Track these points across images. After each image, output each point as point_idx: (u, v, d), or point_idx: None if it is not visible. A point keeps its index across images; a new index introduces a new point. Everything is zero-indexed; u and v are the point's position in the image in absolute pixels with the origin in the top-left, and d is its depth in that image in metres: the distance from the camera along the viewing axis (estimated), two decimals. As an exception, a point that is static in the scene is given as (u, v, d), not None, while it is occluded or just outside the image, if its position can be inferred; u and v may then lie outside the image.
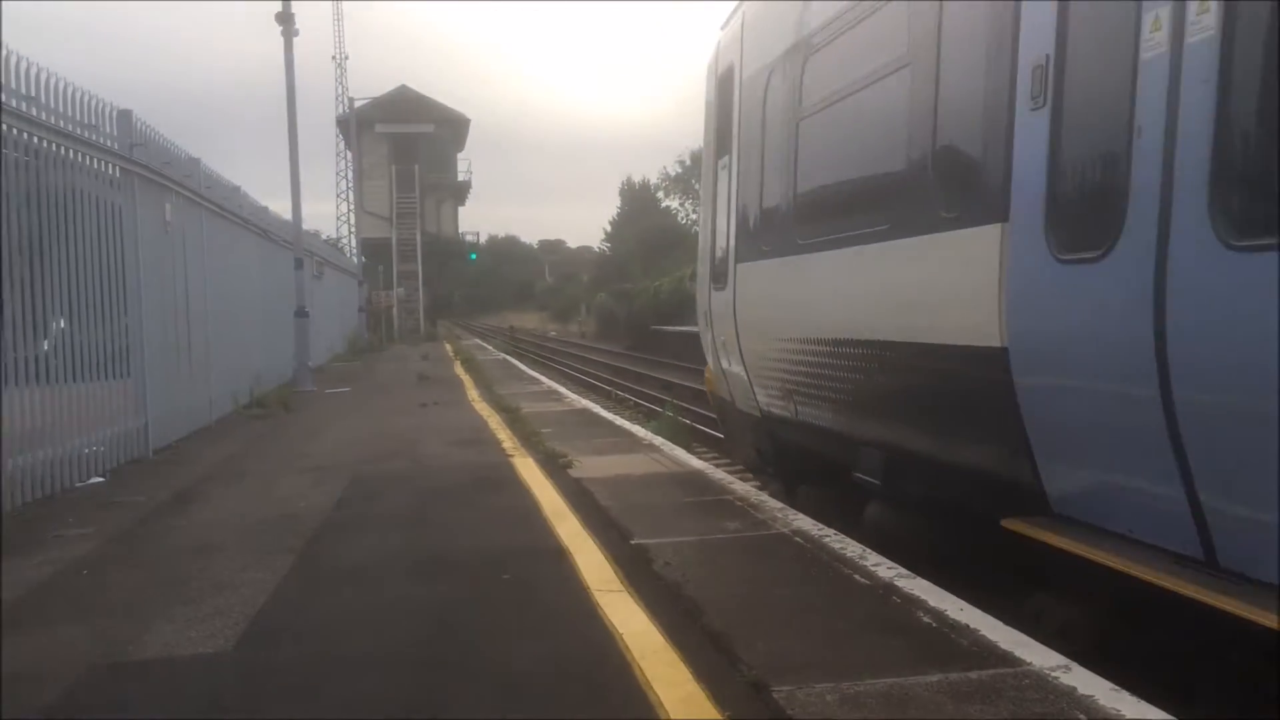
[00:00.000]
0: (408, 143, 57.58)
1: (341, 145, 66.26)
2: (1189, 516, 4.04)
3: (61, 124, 8.81)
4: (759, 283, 8.52)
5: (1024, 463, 4.98)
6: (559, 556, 5.97)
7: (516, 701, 3.84)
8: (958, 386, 5.52)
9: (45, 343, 8.55)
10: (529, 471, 8.96)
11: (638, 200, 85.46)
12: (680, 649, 4.29)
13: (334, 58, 69.20)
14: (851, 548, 5.86)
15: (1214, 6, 3.73)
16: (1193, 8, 3.84)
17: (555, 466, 9.10)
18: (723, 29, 9.89)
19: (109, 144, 9.93)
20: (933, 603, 4.73)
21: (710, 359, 10.59)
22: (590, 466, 9.00)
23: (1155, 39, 4.04)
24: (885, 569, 5.36)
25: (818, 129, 7.32)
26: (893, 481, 6.41)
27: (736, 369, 9.22)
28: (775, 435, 8.63)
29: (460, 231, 65.92)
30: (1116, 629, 4.57)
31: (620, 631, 4.56)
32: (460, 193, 64.09)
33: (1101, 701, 3.54)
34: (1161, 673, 4.30)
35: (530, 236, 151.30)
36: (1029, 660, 3.95)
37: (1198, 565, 4.02)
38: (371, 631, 4.74)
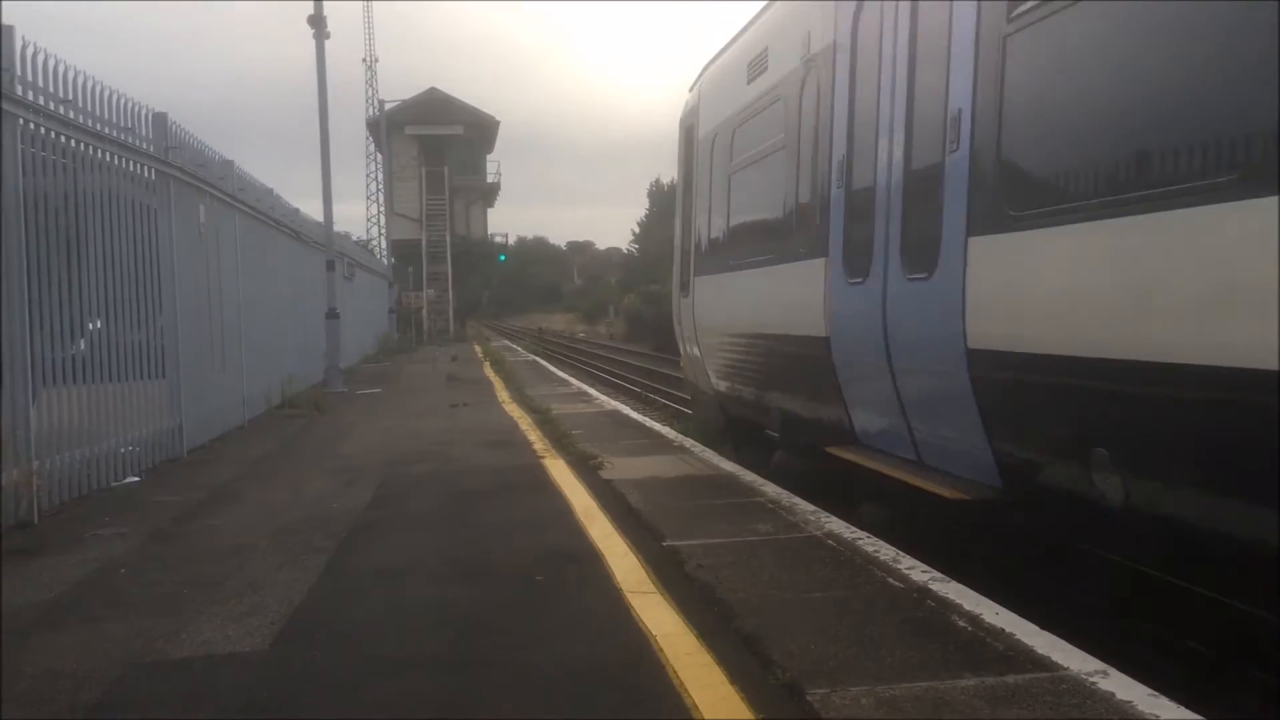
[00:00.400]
0: (437, 145, 57.72)
1: (371, 147, 66.79)
2: (909, 436, 6.74)
3: (98, 127, 8.91)
4: (709, 292, 11.38)
5: (842, 412, 7.71)
6: (591, 558, 5.98)
7: (551, 703, 3.84)
8: (808, 362, 8.15)
9: (81, 343, 8.65)
10: (560, 473, 8.97)
11: (667, 202, 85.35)
12: (714, 651, 4.29)
13: (364, 60, 69.79)
14: (885, 551, 5.83)
15: (896, 156, 6.70)
16: (895, 151, 6.70)
17: (586, 468, 9.11)
18: (690, 91, 12.51)
19: (145, 146, 10.02)
20: (968, 606, 4.70)
21: (682, 351, 13.53)
22: (621, 468, 9.00)
23: (885, 161, 6.85)
24: (919, 572, 5.34)
25: (740, 182, 10.19)
26: (786, 434, 9.22)
27: (697, 357, 12.13)
28: (724, 408, 11.38)
29: (489, 233, 65.90)
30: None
31: (653, 633, 4.56)
32: (489, 194, 64.19)
33: (1140, 707, 3.50)
34: (1196, 677, 4.28)
35: (559, 238, 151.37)
36: (1066, 665, 3.92)
37: (916, 464, 6.70)
38: (406, 632, 4.76)
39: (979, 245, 5.55)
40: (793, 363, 8.70)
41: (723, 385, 11.07)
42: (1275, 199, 3.60)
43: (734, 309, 10.33)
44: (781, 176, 8.74)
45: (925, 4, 6.35)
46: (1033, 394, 5.30)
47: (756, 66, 9.57)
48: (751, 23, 10.08)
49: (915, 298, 6.29)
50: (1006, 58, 5.37)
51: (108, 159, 9.17)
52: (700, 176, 11.71)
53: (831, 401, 7.81)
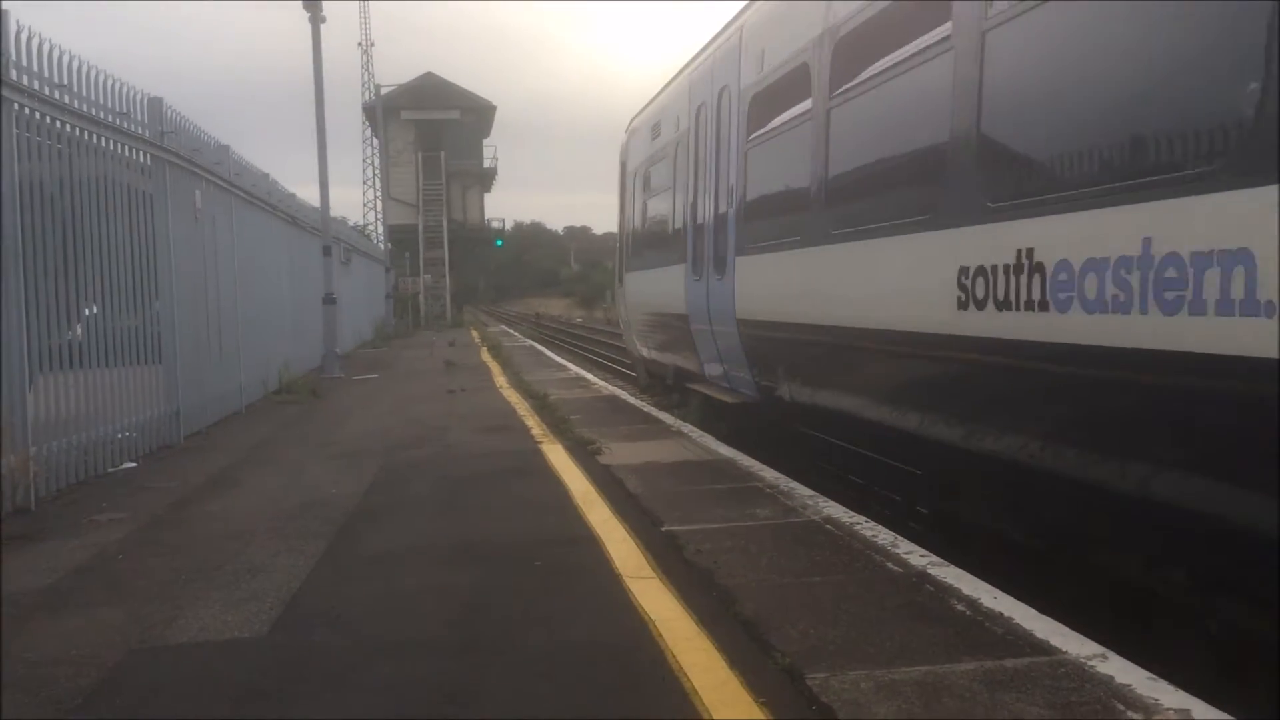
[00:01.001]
0: (434, 130, 57.57)
1: (368, 132, 66.63)
2: (724, 376, 10.68)
3: (93, 111, 8.87)
4: (633, 284, 15.58)
5: (695, 360, 11.69)
6: (590, 543, 5.98)
7: (551, 688, 3.85)
8: (677, 330, 12.29)
9: (78, 328, 8.63)
10: (558, 458, 8.97)
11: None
12: (713, 636, 4.29)
13: (360, 45, 69.62)
14: (883, 535, 5.84)
15: (710, 205, 10.94)
16: (710, 202, 10.88)
17: (584, 453, 9.11)
18: (625, 132, 16.62)
19: (140, 131, 9.98)
20: (966, 591, 4.71)
21: (623, 326, 18.13)
22: (619, 453, 9.00)
23: (708, 208, 10.82)
24: (918, 556, 5.34)
25: (652, 205, 14.55)
26: (678, 381, 13.30)
27: (630, 330, 16.60)
28: (647, 366, 15.78)
29: (486, 218, 65.77)
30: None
31: (653, 618, 4.56)
32: (486, 179, 64.03)
33: (1139, 690, 3.51)
34: (1196, 662, 4.29)
35: (556, 223, 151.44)
36: (1065, 649, 3.93)
37: (726, 388, 10.68)
38: (405, 617, 4.76)
39: (741, 261, 9.65)
40: (671, 331, 12.90)
41: (643, 350, 15.53)
42: (819, 248, 7.60)
43: (646, 296, 14.45)
44: (667, 208, 13.05)
45: (719, 118, 10.47)
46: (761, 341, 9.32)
47: (656, 130, 14.03)
48: (656, 96, 14.34)
49: (720, 288, 10.21)
50: (748, 162, 9.55)
51: (103, 144, 9.13)
52: (628, 199, 16.24)
53: (690, 355, 11.94)
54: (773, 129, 8.88)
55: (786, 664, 3.89)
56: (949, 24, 5.73)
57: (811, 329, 7.77)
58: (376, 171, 63.22)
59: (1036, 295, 4.78)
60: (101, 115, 9.01)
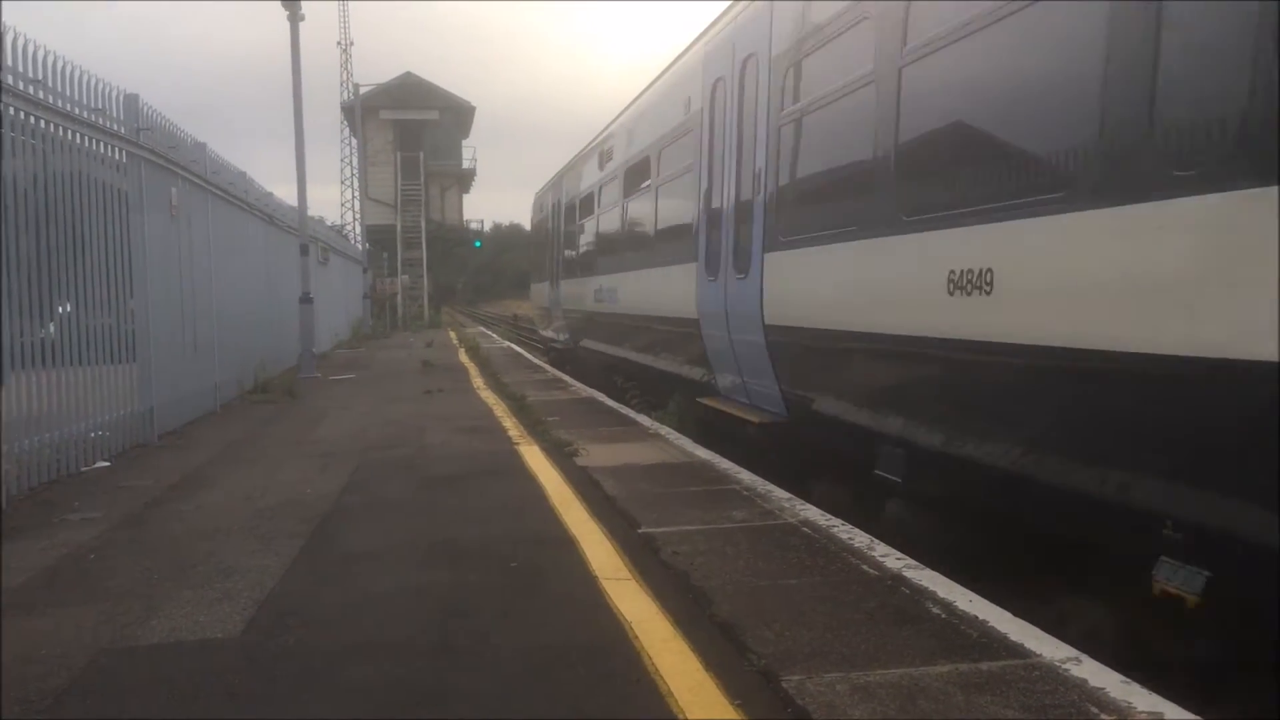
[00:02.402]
0: (412, 130, 57.36)
1: (346, 132, 66.25)
2: (743, 388, 9.61)
3: (68, 108, 8.79)
4: (573, 289, 19.68)
5: (708, 373, 10.76)
6: (566, 544, 5.97)
7: (525, 689, 3.83)
8: (675, 337, 11.91)
9: (51, 326, 8.55)
10: (535, 459, 8.95)
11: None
12: (689, 638, 4.29)
13: (339, 43, 69.26)
14: (859, 538, 5.85)
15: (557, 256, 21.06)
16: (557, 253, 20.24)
17: (561, 455, 9.09)
18: (539, 193, 25.98)
19: (116, 128, 9.91)
20: (942, 594, 4.72)
21: (542, 319, 24.74)
22: (596, 455, 8.99)
23: (716, 212, 10.42)
24: (894, 559, 5.36)
25: (567, 237, 20.32)
26: (591, 357, 17.69)
27: (566, 325, 21.35)
28: (575, 355, 20.28)
29: (465, 219, 65.64)
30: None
31: (629, 620, 4.56)
32: (465, 180, 63.84)
33: (1112, 694, 3.53)
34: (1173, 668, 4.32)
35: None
36: (1039, 652, 3.95)
37: (749, 406, 9.48)
38: (379, 617, 4.74)
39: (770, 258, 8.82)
40: (587, 319, 17.73)
41: (567, 336, 21.29)
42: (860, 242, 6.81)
43: (585, 297, 18.11)
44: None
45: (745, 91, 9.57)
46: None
47: (542, 205, 24.96)
48: (552, 181, 21.79)
49: (734, 289, 9.62)
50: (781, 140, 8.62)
51: (78, 140, 9.05)
52: (555, 227, 22.64)
53: (701, 365, 11.06)
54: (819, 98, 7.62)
55: (762, 666, 3.90)
56: None
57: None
58: (355, 171, 62.96)
59: None
60: (77, 111, 8.93)
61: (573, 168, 20.15)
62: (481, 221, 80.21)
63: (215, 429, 11.76)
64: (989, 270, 5.18)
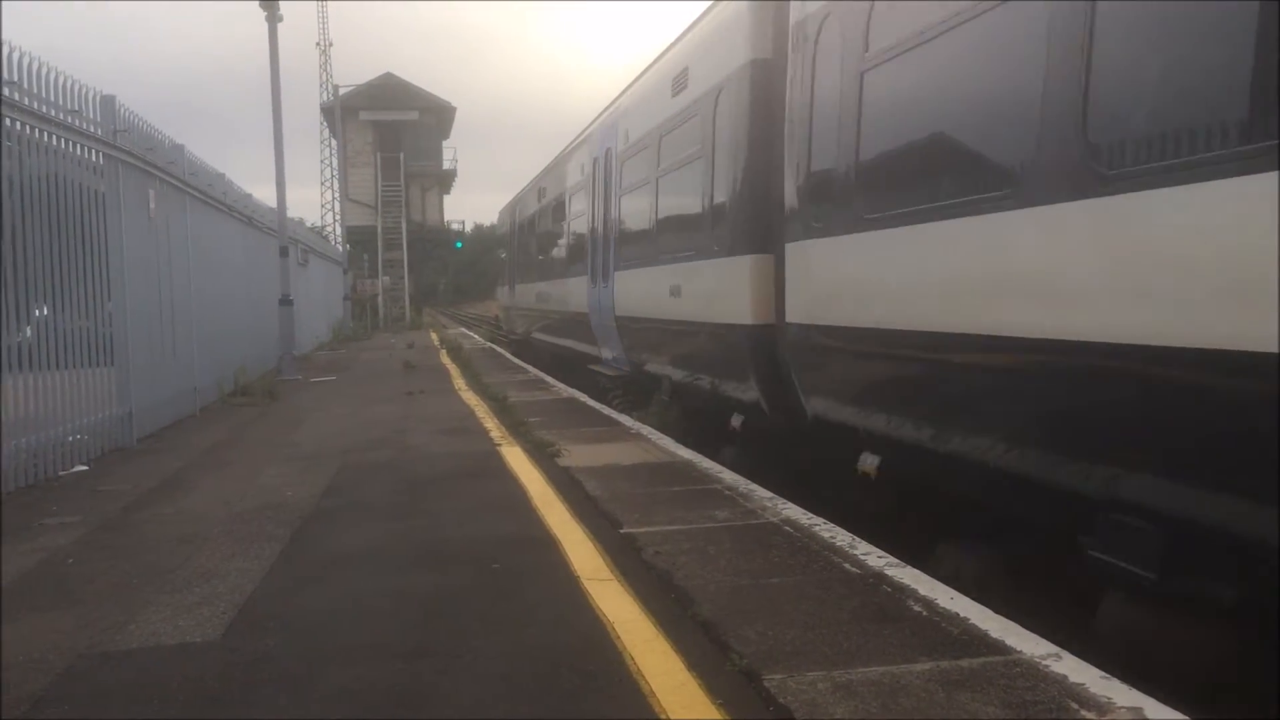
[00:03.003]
0: (393, 130, 57.19)
1: (326, 132, 66.00)
2: (626, 360, 13.84)
3: (45, 109, 8.72)
4: (523, 292, 25.32)
5: (593, 346, 15.96)
6: (548, 545, 5.96)
7: (508, 691, 3.82)
8: (578, 325, 16.80)
9: (28, 329, 8.48)
10: (517, 460, 8.93)
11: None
12: (671, 638, 4.28)
13: (318, 44, 69.02)
14: (841, 536, 5.86)
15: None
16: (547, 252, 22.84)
17: (543, 455, 9.07)
18: (502, 211, 33.74)
19: (93, 130, 9.84)
20: (923, 591, 4.73)
21: (504, 317, 33.90)
22: (578, 455, 8.98)
23: (595, 242, 16.13)
24: (875, 558, 5.37)
25: (530, 245, 24.63)
26: (549, 352, 21.79)
27: (518, 320, 27.35)
28: (531, 344, 24.71)
29: (446, 220, 65.49)
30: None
31: (611, 620, 4.55)
32: (445, 181, 63.70)
33: (1092, 689, 3.54)
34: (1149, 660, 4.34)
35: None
36: (1020, 649, 3.96)
37: (613, 367, 14.85)
38: (360, 621, 4.71)
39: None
40: (571, 325, 18.00)
41: (521, 329, 26.19)
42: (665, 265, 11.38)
43: (531, 298, 23.37)
44: (569, 236, 19.07)
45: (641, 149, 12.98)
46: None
47: (503, 222, 33.79)
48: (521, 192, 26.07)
49: (602, 290, 14.92)
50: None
51: (54, 142, 8.98)
52: (515, 238, 27.54)
53: (589, 342, 16.11)
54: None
55: (744, 665, 3.90)
56: None
57: None
58: (334, 172, 62.71)
59: None
60: (53, 113, 8.87)
61: (522, 198, 26.81)
62: (462, 222, 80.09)
63: (195, 432, 11.70)
64: (679, 286, 10.60)
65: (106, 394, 10.05)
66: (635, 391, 13.65)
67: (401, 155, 56.88)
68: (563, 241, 19.46)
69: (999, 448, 5.20)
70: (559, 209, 19.81)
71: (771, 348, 8.26)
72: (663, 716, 3.55)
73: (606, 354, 15.10)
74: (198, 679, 4.03)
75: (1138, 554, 4.25)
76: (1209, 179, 3.70)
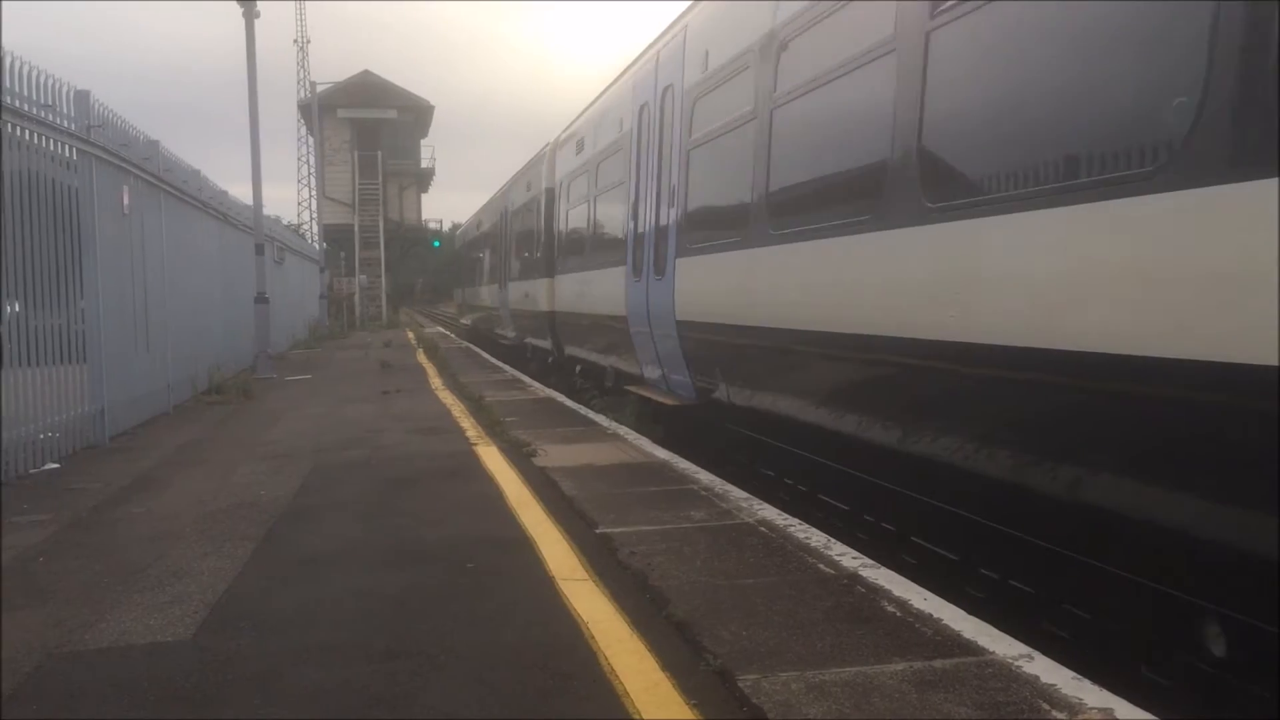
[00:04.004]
0: (370, 128, 56.92)
1: (303, 130, 65.77)
2: (664, 380, 11.04)
3: (16, 104, 8.64)
4: (515, 289, 22.30)
5: (635, 363, 12.20)
6: (523, 546, 5.95)
7: (481, 691, 3.81)
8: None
9: (-1, 326, 8.40)
10: (493, 460, 8.91)
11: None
12: (646, 638, 4.28)
13: (296, 41, 68.82)
14: (816, 537, 5.88)
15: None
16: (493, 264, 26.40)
17: (519, 455, 9.06)
18: (458, 234, 49.63)
19: (66, 125, 9.75)
20: (897, 592, 4.75)
21: (459, 311, 45.35)
22: (554, 455, 8.97)
23: (504, 264, 24.42)
24: (850, 559, 5.38)
25: (514, 244, 23.70)
26: (534, 349, 21.01)
27: (508, 321, 24.06)
28: (519, 341, 22.67)
29: (424, 219, 65.28)
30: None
31: (585, 620, 4.55)
32: (424, 179, 63.49)
33: (1064, 690, 3.56)
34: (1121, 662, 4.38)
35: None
36: (992, 650, 3.98)
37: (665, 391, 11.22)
38: (333, 620, 4.69)
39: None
40: (535, 318, 19.09)
41: (512, 333, 23.83)
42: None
43: (475, 297, 25.99)
44: (487, 257, 26.75)
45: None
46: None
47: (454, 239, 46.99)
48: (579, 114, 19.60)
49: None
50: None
51: (27, 137, 8.90)
52: (465, 251, 37.49)
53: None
54: None
55: (718, 666, 3.90)
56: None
57: None
58: (312, 170, 62.41)
59: None
60: (25, 108, 8.78)
61: (464, 233, 33.61)
62: (440, 221, 79.64)
63: (168, 430, 11.61)
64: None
65: (78, 391, 9.96)
66: (707, 432, 10.51)
67: (379, 153, 56.65)
68: (493, 258, 23.61)
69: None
70: (489, 235, 23.70)
71: None
72: (636, 717, 3.54)
73: (652, 373, 11.56)
74: (168, 679, 4.00)
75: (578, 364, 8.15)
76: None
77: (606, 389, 14.07)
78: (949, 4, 5.37)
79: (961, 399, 5.53)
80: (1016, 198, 4.83)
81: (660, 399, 11.02)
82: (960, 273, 5.22)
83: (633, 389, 12.19)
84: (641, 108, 11.83)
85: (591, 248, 14.73)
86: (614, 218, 13.34)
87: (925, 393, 5.90)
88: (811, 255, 6.98)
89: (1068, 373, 4.44)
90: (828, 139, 7.04)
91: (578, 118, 16.95)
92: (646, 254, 11.21)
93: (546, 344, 19.20)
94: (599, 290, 13.75)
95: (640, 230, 11.60)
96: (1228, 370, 3.58)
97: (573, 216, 16.46)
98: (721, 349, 9.03)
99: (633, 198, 12.02)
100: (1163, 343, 3.88)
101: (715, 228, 9.03)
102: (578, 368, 16.71)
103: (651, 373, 11.48)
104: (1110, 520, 4.45)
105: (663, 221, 10.69)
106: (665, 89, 10.72)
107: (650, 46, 11.96)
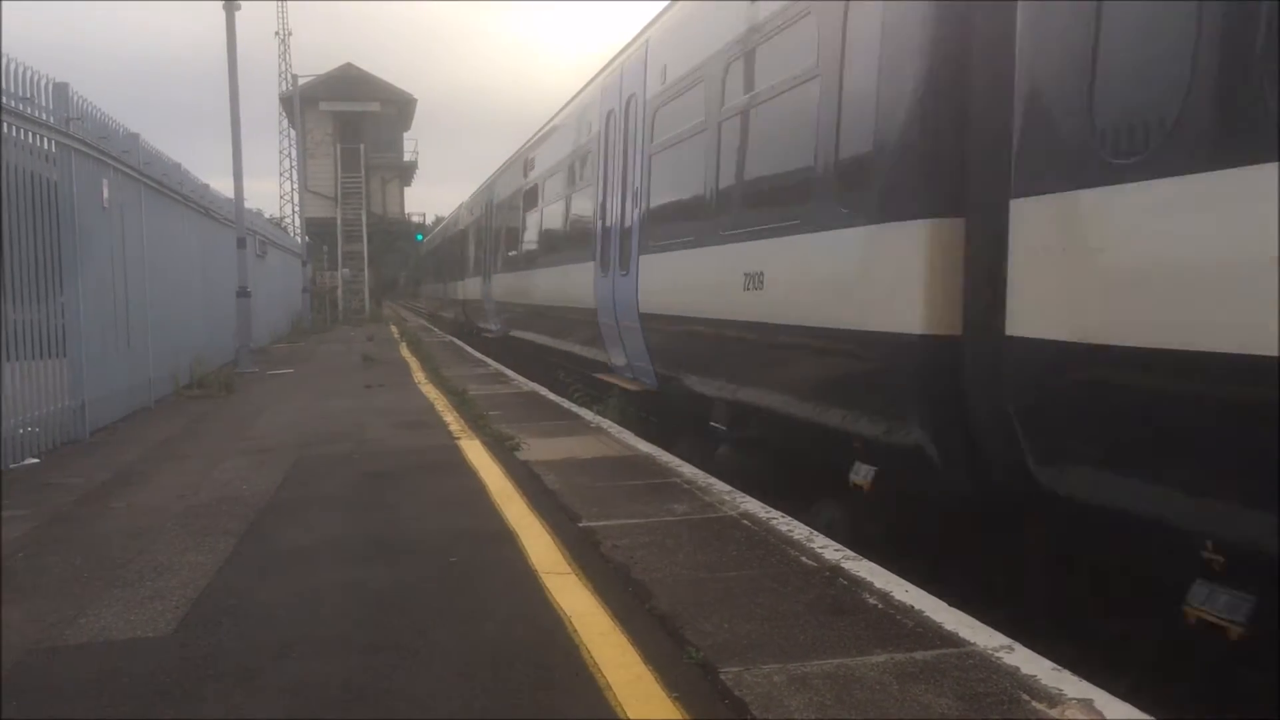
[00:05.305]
0: (353, 121, 56.60)
1: (285, 123, 65.37)
2: (628, 368, 11.44)
3: (-5, 96, 8.57)
4: (502, 282, 21.66)
5: (603, 352, 12.47)
6: (506, 539, 5.95)
7: (464, 685, 3.81)
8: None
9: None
10: (476, 454, 8.90)
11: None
12: (628, 631, 4.29)
13: (277, 33, 68.40)
14: (798, 530, 5.90)
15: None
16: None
17: (503, 449, 9.05)
18: (427, 240, 54.84)
19: (44, 117, 9.67)
20: (878, 584, 4.77)
21: (434, 304, 46.48)
22: (538, 449, 8.96)
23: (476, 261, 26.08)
24: (832, 551, 5.40)
25: (501, 239, 22.89)
26: (559, 365, 16.84)
27: (490, 312, 23.86)
28: (507, 337, 22.05)
29: (406, 212, 65.01)
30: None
31: (568, 614, 4.55)
32: (406, 173, 63.21)
33: (1044, 681, 3.59)
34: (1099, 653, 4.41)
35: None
36: (973, 641, 4.00)
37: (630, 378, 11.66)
38: (315, 615, 4.68)
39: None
40: (527, 311, 18.14)
41: (497, 324, 23.32)
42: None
43: (510, 290, 20.67)
44: (463, 250, 28.11)
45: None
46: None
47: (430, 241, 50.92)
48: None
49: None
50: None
51: (5, 130, 8.82)
52: (483, 234, 26.02)
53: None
54: None
55: (701, 658, 3.91)
56: None
57: None
58: (294, 163, 62.11)
59: None
60: (4, 100, 8.71)
61: (432, 241, 36.00)
62: (423, 215, 79.30)
63: (149, 425, 11.55)
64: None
65: (58, 386, 9.90)
66: (662, 414, 11.27)
67: (362, 147, 56.31)
68: (460, 255, 25.80)
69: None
70: (458, 239, 26.49)
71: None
72: (619, 709, 3.55)
73: (618, 360, 12.01)
74: (149, 674, 3.99)
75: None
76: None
77: (581, 378, 14.76)
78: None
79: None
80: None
81: (625, 385, 11.73)
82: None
83: (601, 376, 12.79)
84: (609, 114, 12.42)
85: (565, 244, 15.30)
86: (584, 216, 13.93)
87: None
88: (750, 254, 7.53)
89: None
90: (758, 153, 7.66)
91: (549, 120, 17.73)
92: (613, 251, 11.80)
93: (528, 335, 19.67)
94: (570, 284, 14.41)
95: (607, 227, 12.22)
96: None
97: (548, 215, 17.06)
98: (679, 339, 9.48)
99: (600, 198, 12.65)
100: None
101: (675, 227, 9.52)
102: (552, 358, 17.20)
103: (618, 360, 11.95)
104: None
105: (627, 222, 11.26)
106: (630, 98, 11.38)
107: (617, 56, 12.76)
